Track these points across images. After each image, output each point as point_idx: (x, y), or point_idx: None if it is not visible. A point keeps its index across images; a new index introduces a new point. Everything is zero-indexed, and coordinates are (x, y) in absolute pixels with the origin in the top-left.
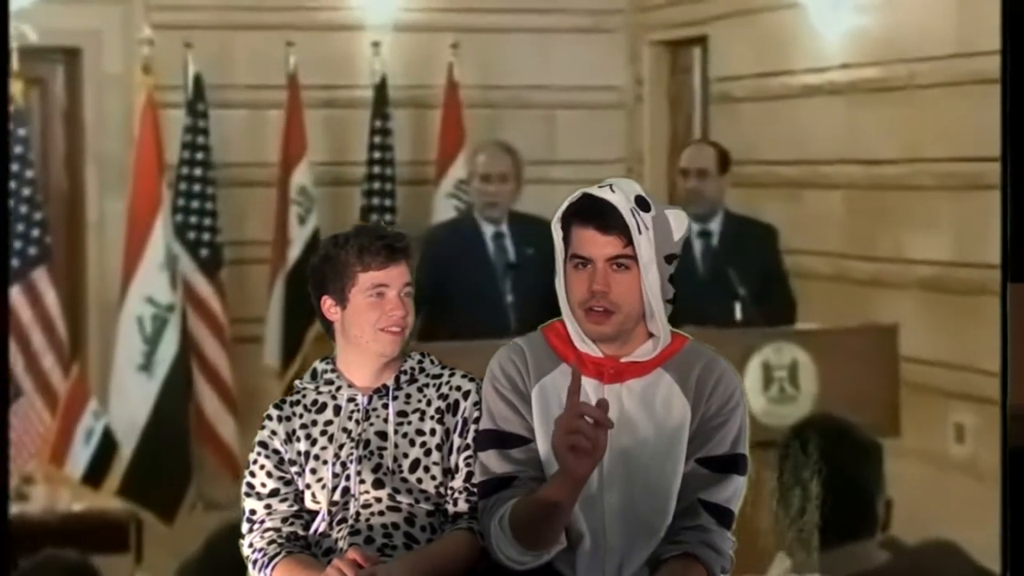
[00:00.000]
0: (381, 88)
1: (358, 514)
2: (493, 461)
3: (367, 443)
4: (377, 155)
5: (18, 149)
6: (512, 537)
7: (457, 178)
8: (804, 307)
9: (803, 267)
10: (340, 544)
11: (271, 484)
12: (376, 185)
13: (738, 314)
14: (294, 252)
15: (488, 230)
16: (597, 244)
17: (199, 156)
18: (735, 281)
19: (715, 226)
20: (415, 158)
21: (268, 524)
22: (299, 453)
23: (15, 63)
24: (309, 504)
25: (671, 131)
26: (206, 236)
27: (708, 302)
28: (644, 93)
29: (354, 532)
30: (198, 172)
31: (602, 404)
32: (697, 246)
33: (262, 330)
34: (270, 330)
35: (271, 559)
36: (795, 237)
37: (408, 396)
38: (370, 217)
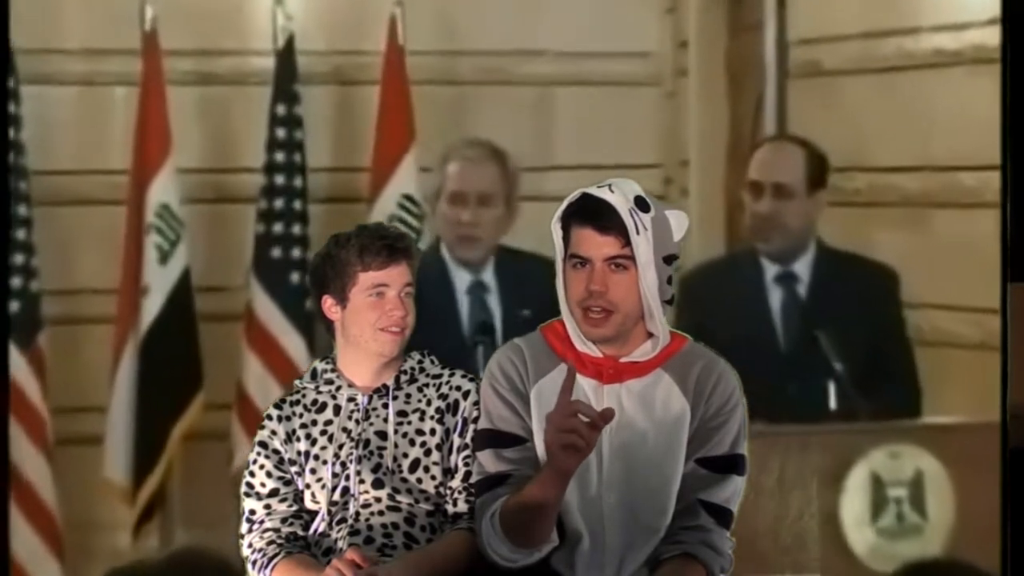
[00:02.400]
0: (287, 55)
1: (358, 514)
2: (488, 460)
3: (367, 443)
4: (280, 157)
5: None
6: (503, 534)
7: (402, 192)
8: (935, 391)
9: (933, 329)
10: (340, 544)
11: (271, 484)
12: (278, 203)
13: (833, 401)
14: (152, 305)
15: (462, 279)
16: (595, 244)
17: (5, 159)
18: (830, 351)
19: (802, 268)
20: (338, 162)
21: (267, 524)
22: (299, 453)
23: None
24: (309, 504)
25: (731, 121)
26: (16, 281)
27: (789, 381)
28: (690, 63)
29: (354, 532)
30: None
31: (607, 415)
32: (775, 298)
33: (102, 426)
34: (114, 426)
35: (270, 559)
36: (920, 283)
37: (408, 396)
38: (269, 250)
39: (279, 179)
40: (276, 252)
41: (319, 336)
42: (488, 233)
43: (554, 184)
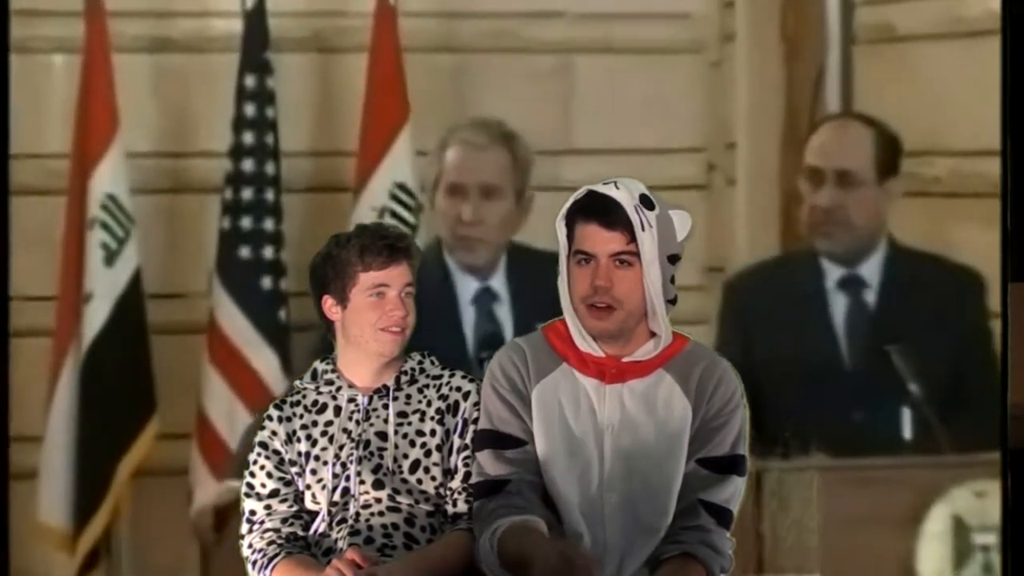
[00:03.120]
0: (257, 16)
1: (358, 514)
2: (488, 462)
3: (367, 444)
4: (249, 139)
5: None
6: (499, 561)
7: (394, 180)
8: None
9: None
10: (340, 544)
11: (271, 485)
12: (246, 193)
13: (908, 430)
14: (96, 314)
15: (467, 286)
16: (600, 240)
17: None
18: (903, 370)
19: (871, 272)
20: (318, 145)
21: (268, 525)
22: (299, 454)
23: None
24: (309, 504)
25: (786, 96)
26: None
27: (855, 406)
28: (738, 26)
29: (354, 532)
30: None
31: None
32: (838, 307)
33: (36, 459)
34: (51, 459)
35: (270, 560)
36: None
37: (408, 397)
38: (236, 249)
39: (247, 165)
40: (244, 252)
41: (295, 351)
42: (493, 234)
43: (573, 171)
